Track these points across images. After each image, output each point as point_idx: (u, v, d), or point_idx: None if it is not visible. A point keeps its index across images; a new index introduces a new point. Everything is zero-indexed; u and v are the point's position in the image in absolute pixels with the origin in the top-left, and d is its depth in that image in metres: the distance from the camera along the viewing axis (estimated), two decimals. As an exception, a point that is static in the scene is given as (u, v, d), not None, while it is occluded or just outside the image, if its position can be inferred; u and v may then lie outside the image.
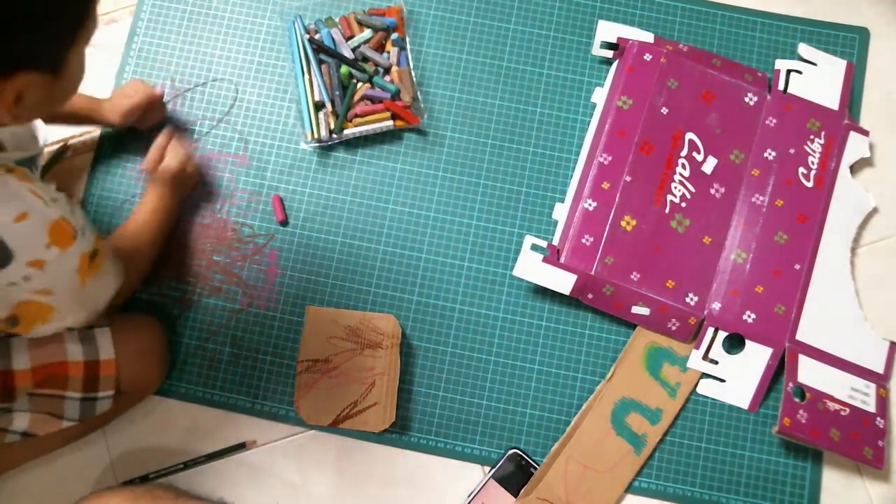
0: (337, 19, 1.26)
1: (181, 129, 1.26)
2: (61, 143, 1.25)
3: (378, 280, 1.20)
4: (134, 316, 1.13)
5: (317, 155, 1.24)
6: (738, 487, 1.14)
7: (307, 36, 1.23)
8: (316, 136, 1.21)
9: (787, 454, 1.15)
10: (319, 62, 1.23)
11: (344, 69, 1.22)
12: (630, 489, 1.13)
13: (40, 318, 0.86)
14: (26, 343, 0.97)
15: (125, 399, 1.09)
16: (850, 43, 1.29)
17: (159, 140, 1.15)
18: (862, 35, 1.29)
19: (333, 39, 1.24)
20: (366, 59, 1.24)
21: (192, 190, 1.22)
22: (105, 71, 1.29)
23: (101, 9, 1.30)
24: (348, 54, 1.23)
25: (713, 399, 1.16)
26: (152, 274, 1.19)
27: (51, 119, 1.12)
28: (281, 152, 1.24)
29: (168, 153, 1.15)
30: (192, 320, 1.19)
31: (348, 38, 1.25)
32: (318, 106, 1.22)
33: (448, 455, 1.15)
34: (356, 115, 1.22)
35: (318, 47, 1.23)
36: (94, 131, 1.26)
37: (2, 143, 0.84)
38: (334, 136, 1.21)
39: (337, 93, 1.21)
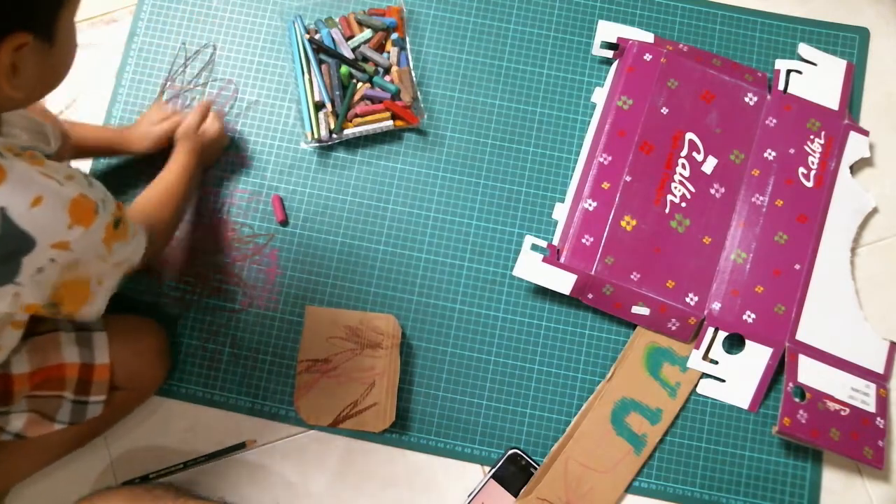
0: (337, 19, 1.26)
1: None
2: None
3: (378, 280, 1.20)
4: (133, 318, 1.13)
5: (317, 155, 1.24)
6: (739, 487, 1.14)
7: (307, 36, 1.23)
8: (316, 135, 1.21)
9: (787, 454, 1.15)
10: (319, 62, 1.23)
11: (344, 69, 1.22)
12: (630, 489, 1.13)
13: (81, 298, 0.85)
14: (25, 348, 0.97)
15: (128, 400, 1.09)
16: (850, 43, 1.29)
17: (202, 103, 1.17)
18: (862, 35, 1.29)
19: (333, 39, 1.24)
20: (366, 59, 1.24)
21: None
22: (105, 71, 1.29)
23: (101, 8, 1.31)
24: (348, 54, 1.23)
25: (713, 399, 1.16)
26: (152, 275, 1.19)
27: (78, 153, 1.14)
28: (281, 152, 1.24)
29: (209, 119, 1.17)
30: (192, 320, 1.19)
31: (348, 38, 1.25)
32: (318, 106, 1.22)
33: (448, 455, 1.15)
34: (356, 115, 1.22)
35: (318, 47, 1.23)
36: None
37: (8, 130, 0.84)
38: (334, 136, 1.21)
39: (337, 93, 1.21)
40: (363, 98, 1.22)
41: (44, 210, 0.73)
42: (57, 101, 1.27)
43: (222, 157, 1.24)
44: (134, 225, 0.90)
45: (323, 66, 1.22)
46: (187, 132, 1.15)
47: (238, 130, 1.25)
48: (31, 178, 0.73)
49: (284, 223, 1.22)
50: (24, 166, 0.73)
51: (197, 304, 1.19)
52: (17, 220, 0.71)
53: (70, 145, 1.09)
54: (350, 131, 1.21)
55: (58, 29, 0.72)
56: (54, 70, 0.76)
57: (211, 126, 1.17)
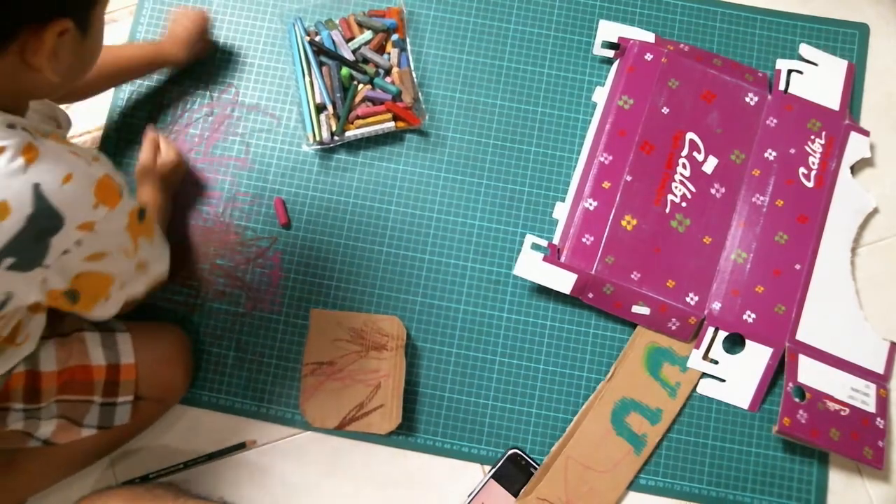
0: (337, 21, 1.26)
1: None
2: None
3: (382, 282, 1.21)
4: (155, 324, 1.15)
5: (318, 157, 1.25)
6: (745, 484, 1.15)
7: (307, 38, 1.23)
8: (317, 138, 1.21)
9: (793, 450, 1.15)
10: (320, 64, 1.23)
11: (345, 71, 1.22)
12: (637, 487, 1.14)
13: (100, 292, 0.87)
14: (53, 346, 0.98)
15: (153, 408, 1.10)
16: (850, 39, 1.29)
17: (149, 136, 1.17)
18: (862, 31, 1.29)
19: (334, 41, 1.24)
20: (366, 60, 1.24)
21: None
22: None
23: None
24: (349, 56, 1.23)
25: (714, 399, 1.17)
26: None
27: (116, 74, 1.17)
28: (283, 155, 1.25)
29: (162, 147, 1.17)
30: (196, 324, 1.19)
31: (348, 40, 1.25)
32: (320, 108, 1.22)
33: (453, 456, 1.16)
34: (357, 117, 1.22)
35: (319, 49, 1.23)
36: (95, 131, 1.26)
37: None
38: (336, 138, 1.21)
39: (338, 95, 1.22)
40: (364, 100, 1.22)
41: (74, 187, 0.74)
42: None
43: (224, 162, 1.24)
44: (159, 230, 0.93)
45: (324, 69, 1.22)
46: (144, 169, 1.15)
47: (241, 137, 1.26)
48: (61, 156, 0.74)
49: (287, 226, 1.22)
50: (55, 145, 0.75)
51: (201, 308, 1.20)
52: (50, 196, 0.72)
53: (105, 67, 1.11)
54: (352, 133, 1.21)
55: (93, 20, 0.76)
56: (85, 59, 0.80)
57: (166, 155, 1.16)
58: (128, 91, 1.28)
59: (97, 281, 0.86)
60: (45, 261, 0.75)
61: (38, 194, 0.71)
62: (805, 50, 1.26)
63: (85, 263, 0.81)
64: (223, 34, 1.29)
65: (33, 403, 0.97)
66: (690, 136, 1.20)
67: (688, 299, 1.16)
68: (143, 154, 1.16)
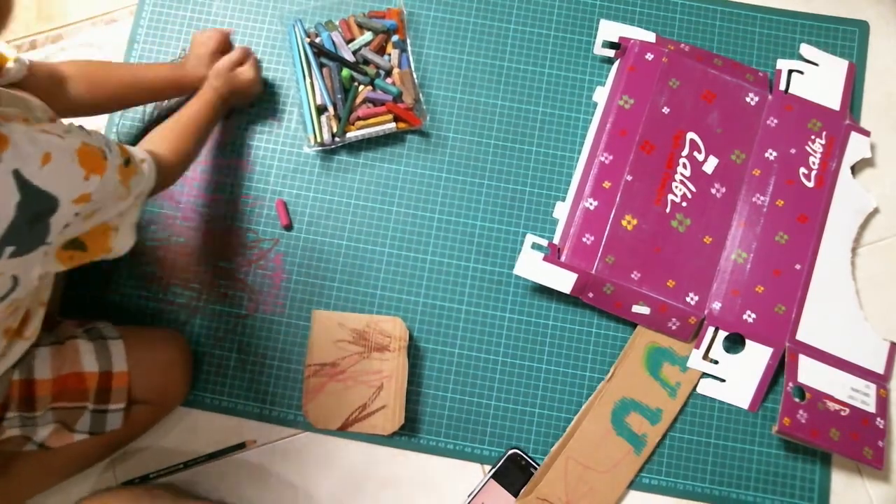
0: (337, 22, 1.26)
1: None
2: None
3: (384, 282, 1.21)
4: (155, 329, 1.15)
5: (320, 159, 1.25)
6: (748, 483, 1.15)
7: (307, 40, 1.23)
8: (319, 139, 1.22)
9: (796, 449, 1.16)
10: (320, 66, 1.23)
11: (345, 72, 1.22)
12: (639, 485, 1.15)
13: (105, 233, 0.87)
14: (48, 353, 0.98)
15: (152, 412, 1.11)
16: (850, 36, 1.28)
17: (242, 47, 1.20)
18: (862, 28, 1.29)
19: (334, 43, 1.24)
20: (367, 61, 1.24)
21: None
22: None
23: (102, 8, 1.32)
24: (349, 57, 1.23)
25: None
26: (156, 279, 1.21)
27: (141, 97, 1.18)
28: (284, 157, 1.25)
29: (247, 64, 1.19)
30: (199, 327, 1.20)
31: (349, 42, 1.25)
32: (321, 109, 1.22)
33: (454, 456, 1.16)
34: (358, 118, 1.22)
35: (319, 51, 1.23)
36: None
37: None
38: (337, 139, 1.21)
39: (339, 96, 1.22)
40: (365, 101, 1.23)
41: (56, 166, 0.73)
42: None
43: (226, 160, 1.25)
44: (139, 152, 0.92)
45: (324, 70, 1.23)
46: (220, 70, 1.16)
47: (242, 139, 1.26)
48: (33, 138, 0.73)
49: (289, 227, 1.23)
50: (23, 128, 0.73)
51: (203, 310, 1.20)
52: (34, 179, 0.71)
53: (122, 87, 1.12)
54: (353, 134, 1.22)
55: None
56: None
57: (246, 71, 1.18)
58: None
59: (98, 231, 0.86)
60: (47, 240, 0.76)
61: (21, 181, 0.70)
62: (806, 50, 1.26)
63: (84, 223, 0.81)
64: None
65: (29, 412, 0.97)
66: (691, 135, 1.19)
67: (688, 299, 1.16)
68: (226, 57, 1.18)
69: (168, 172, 1.00)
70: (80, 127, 0.80)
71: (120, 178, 0.83)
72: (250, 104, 1.26)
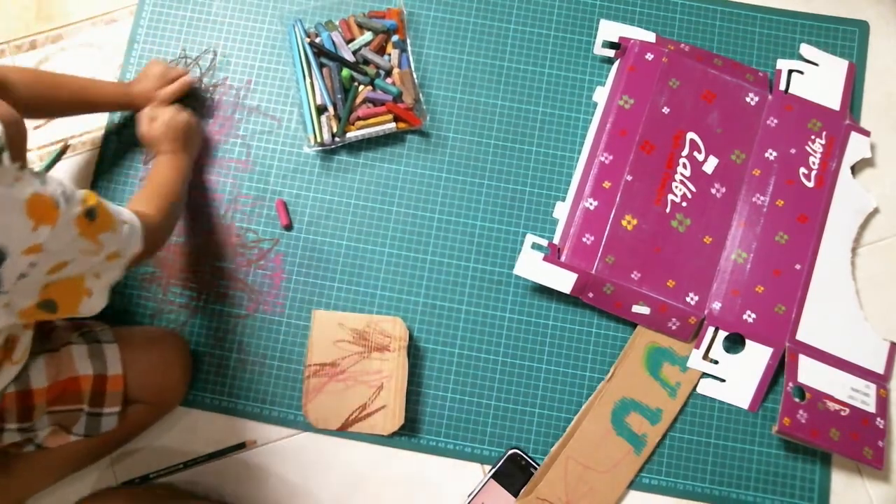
0: (337, 22, 1.26)
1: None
2: (61, 143, 1.26)
3: (384, 282, 1.21)
4: (153, 329, 1.15)
5: (320, 159, 1.25)
6: (748, 483, 1.15)
7: (307, 40, 1.23)
8: (318, 139, 1.22)
9: (796, 449, 1.16)
10: (320, 66, 1.23)
11: (345, 72, 1.22)
12: (640, 485, 1.15)
13: (77, 293, 0.83)
14: (43, 362, 0.98)
15: (151, 412, 1.11)
16: (850, 36, 1.28)
17: (187, 84, 1.22)
18: (862, 28, 1.29)
19: (334, 43, 1.24)
20: (367, 61, 1.24)
21: (199, 148, 1.24)
22: (105, 72, 1.29)
23: (102, 8, 1.32)
24: (349, 57, 1.23)
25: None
26: (156, 280, 1.21)
27: (84, 108, 1.17)
28: (284, 157, 1.25)
29: (170, 109, 1.17)
30: (198, 327, 1.20)
31: (349, 42, 1.25)
32: (321, 109, 1.22)
33: (454, 456, 1.16)
34: (358, 118, 1.22)
35: (319, 51, 1.23)
36: (95, 130, 1.27)
37: None
38: (337, 139, 1.21)
39: (339, 96, 1.22)
40: (365, 101, 1.23)
41: (1, 218, 0.70)
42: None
43: (225, 164, 1.25)
44: (123, 212, 0.88)
45: (324, 70, 1.23)
46: (163, 97, 1.19)
47: (242, 139, 1.26)
48: None
49: (289, 227, 1.23)
50: None
51: (202, 311, 1.20)
52: None
53: (69, 94, 1.12)
54: (353, 134, 1.22)
55: None
56: None
57: (179, 115, 1.16)
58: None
59: (68, 285, 0.82)
60: (1, 289, 0.73)
61: None
62: (806, 50, 1.26)
63: (48, 276, 0.78)
64: (223, 36, 1.29)
65: (27, 422, 0.97)
66: (691, 135, 1.19)
67: (688, 299, 1.16)
68: (170, 88, 1.21)
69: (156, 231, 0.98)
70: (35, 173, 0.76)
71: (79, 230, 0.78)
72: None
